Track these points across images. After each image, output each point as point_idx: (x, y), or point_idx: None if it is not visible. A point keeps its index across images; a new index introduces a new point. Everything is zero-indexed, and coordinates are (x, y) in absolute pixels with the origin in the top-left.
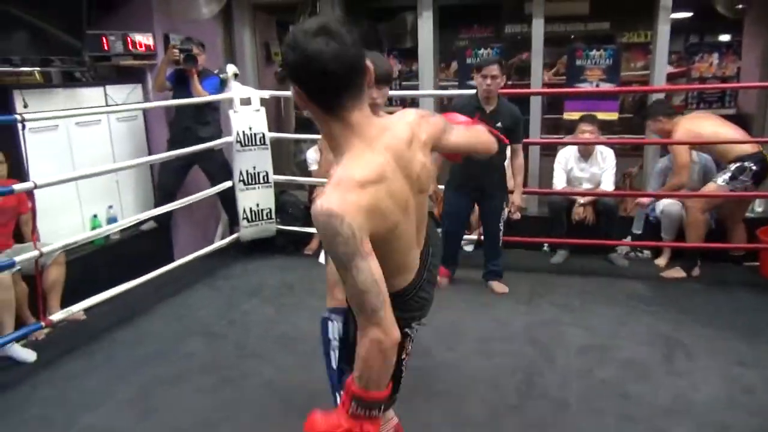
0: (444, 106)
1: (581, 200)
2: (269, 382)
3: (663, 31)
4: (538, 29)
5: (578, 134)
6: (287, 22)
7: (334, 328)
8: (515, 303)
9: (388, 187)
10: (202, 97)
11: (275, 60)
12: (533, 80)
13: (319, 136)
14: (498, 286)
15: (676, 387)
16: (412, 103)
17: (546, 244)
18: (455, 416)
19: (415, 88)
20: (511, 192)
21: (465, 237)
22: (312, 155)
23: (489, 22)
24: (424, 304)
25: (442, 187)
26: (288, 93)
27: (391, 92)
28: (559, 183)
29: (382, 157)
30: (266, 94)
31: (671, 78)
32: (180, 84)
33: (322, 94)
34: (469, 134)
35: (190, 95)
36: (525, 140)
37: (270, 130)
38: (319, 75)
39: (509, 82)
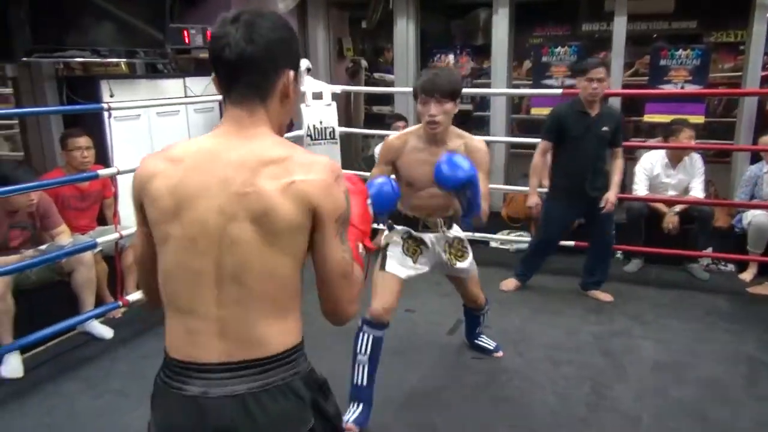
0: (516, 104)
1: (676, 209)
2: (330, 372)
3: (759, 30)
4: (620, 27)
5: (681, 139)
6: (360, 18)
7: (363, 341)
8: (585, 312)
9: (180, 173)
10: None
11: (347, 55)
12: (613, 80)
13: (387, 132)
14: (603, 295)
15: (759, 413)
16: (482, 101)
17: (620, 252)
18: (520, 423)
19: (487, 86)
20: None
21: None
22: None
23: (565, 20)
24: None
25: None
26: (359, 89)
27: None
28: (641, 189)
29: (198, 146)
30: (338, 88)
31: (765, 81)
32: None
33: (216, 73)
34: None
35: None
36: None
37: (339, 124)
38: (213, 55)
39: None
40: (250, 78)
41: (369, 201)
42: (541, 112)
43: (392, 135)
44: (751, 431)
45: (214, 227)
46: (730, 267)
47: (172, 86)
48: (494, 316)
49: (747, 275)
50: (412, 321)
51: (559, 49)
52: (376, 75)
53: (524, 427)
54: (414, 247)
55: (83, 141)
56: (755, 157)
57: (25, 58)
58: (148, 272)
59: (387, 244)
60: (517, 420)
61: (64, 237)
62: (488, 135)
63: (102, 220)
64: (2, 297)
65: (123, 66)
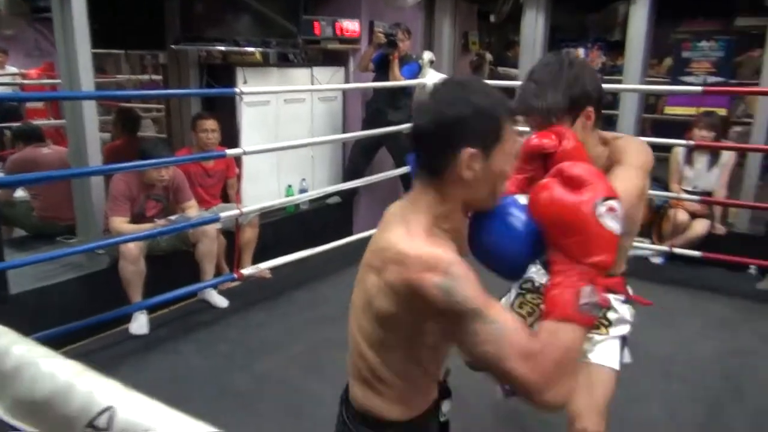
0: (651, 104)
1: None
2: None
3: None
4: None
5: None
6: (488, 12)
7: None
8: (704, 326)
9: None
10: (398, 81)
11: (472, 49)
12: (764, 79)
13: None
14: None
15: None
16: (613, 99)
17: (754, 267)
18: None
19: (618, 83)
20: None
21: (654, 247)
22: None
23: (717, 14)
24: None
25: None
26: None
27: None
28: None
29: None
30: None
31: None
32: (382, 67)
33: None
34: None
35: (388, 79)
36: (742, 146)
37: None
38: None
39: (732, 81)
40: (421, 154)
41: (602, 206)
42: (675, 111)
43: None
44: None
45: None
46: None
47: (300, 75)
48: None
49: None
50: None
51: (703, 43)
52: (501, 69)
53: None
54: (531, 306)
55: (210, 123)
56: None
57: (173, 46)
58: None
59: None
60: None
61: (192, 210)
62: None
63: (225, 198)
64: (136, 260)
65: (257, 55)
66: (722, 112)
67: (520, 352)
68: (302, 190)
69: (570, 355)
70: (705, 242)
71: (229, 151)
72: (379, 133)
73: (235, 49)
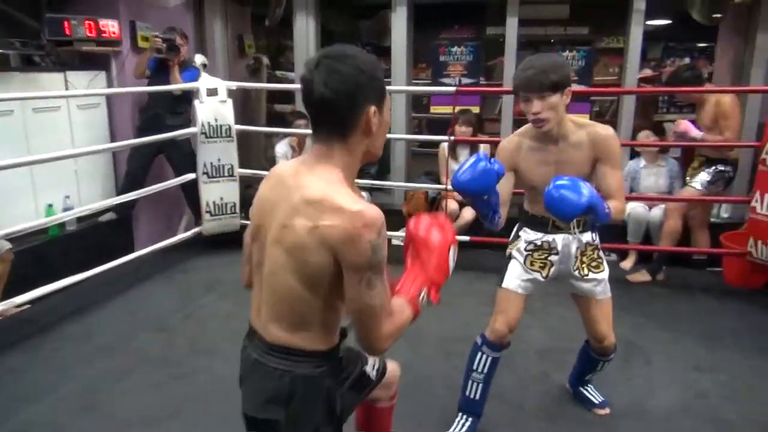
0: (425, 104)
1: None
2: (220, 378)
3: (636, 33)
4: (511, 30)
5: None
6: (262, 15)
7: (480, 361)
8: (478, 304)
9: (264, 189)
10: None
11: (248, 53)
12: (506, 81)
13: (290, 130)
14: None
15: (631, 392)
16: None
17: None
18: (408, 416)
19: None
20: None
21: None
22: (282, 149)
23: (470, 23)
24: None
25: None
26: (259, 85)
27: None
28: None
29: (283, 168)
30: (233, 85)
31: (646, 81)
32: (158, 72)
33: (306, 111)
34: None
35: (165, 84)
36: (495, 139)
37: (239, 123)
38: (303, 97)
39: (481, 81)
40: (330, 119)
41: (452, 251)
42: (438, 110)
43: (504, 139)
44: (624, 410)
45: (264, 241)
46: (613, 256)
47: (50, 80)
48: None
49: (627, 263)
50: None
51: (455, 48)
52: (279, 73)
53: (412, 419)
54: (541, 261)
55: None
56: (633, 153)
57: None
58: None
59: (510, 256)
60: (405, 412)
61: None
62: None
63: None
64: None
65: None
66: (476, 109)
67: (387, 311)
68: (66, 209)
69: (403, 326)
70: (472, 227)
71: None
72: (158, 139)
73: None
